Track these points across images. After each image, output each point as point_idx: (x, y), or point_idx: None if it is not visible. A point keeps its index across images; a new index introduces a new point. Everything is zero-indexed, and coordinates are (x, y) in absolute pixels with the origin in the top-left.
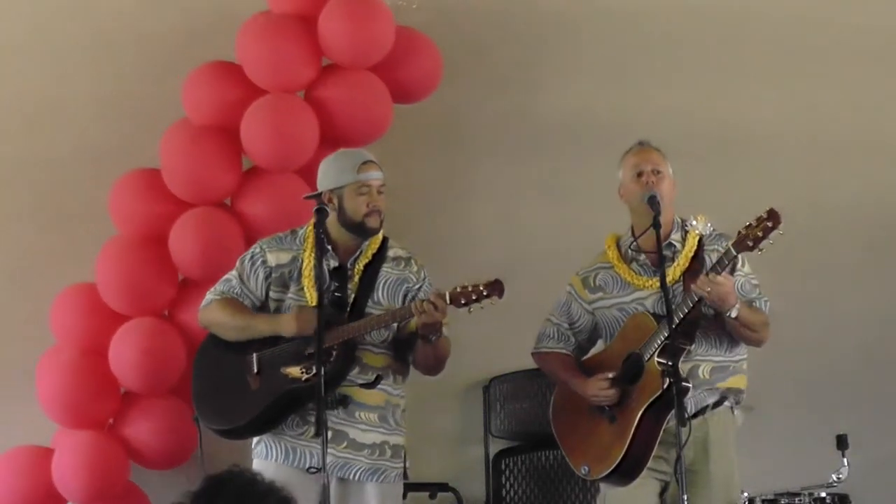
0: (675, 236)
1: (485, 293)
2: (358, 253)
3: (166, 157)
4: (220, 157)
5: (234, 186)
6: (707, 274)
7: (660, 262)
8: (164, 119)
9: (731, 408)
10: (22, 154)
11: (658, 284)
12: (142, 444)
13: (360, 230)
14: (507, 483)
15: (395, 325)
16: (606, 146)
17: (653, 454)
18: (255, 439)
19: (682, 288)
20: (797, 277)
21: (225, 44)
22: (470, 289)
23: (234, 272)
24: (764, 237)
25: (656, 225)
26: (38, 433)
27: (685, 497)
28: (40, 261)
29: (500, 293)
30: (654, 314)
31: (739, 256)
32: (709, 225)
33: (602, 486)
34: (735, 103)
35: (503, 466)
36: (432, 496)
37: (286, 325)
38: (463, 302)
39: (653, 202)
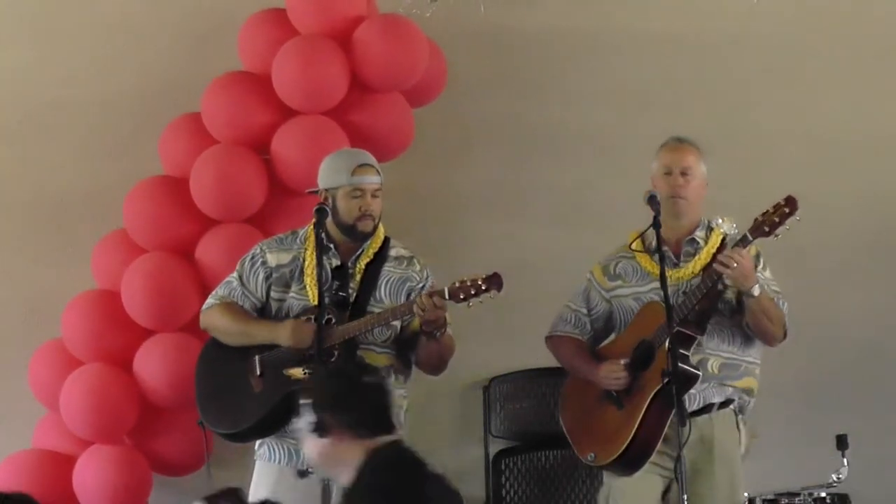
0: (700, 233)
1: (483, 287)
2: (359, 252)
3: (198, 174)
4: (250, 173)
5: (262, 203)
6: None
7: (660, 261)
8: (163, 119)
9: (735, 411)
10: (22, 154)
11: (677, 276)
12: (166, 455)
13: (352, 233)
14: (507, 483)
15: (398, 324)
16: (605, 150)
17: (658, 446)
18: (258, 441)
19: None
20: (797, 277)
21: (228, 47)
22: (469, 283)
23: (234, 274)
24: (780, 223)
25: (656, 225)
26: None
27: (685, 497)
28: (35, 259)
29: (499, 287)
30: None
31: (761, 260)
32: (734, 226)
33: (606, 477)
34: (735, 103)
35: (503, 466)
36: None
37: (283, 336)
38: (462, 296)
39: (652, 202)
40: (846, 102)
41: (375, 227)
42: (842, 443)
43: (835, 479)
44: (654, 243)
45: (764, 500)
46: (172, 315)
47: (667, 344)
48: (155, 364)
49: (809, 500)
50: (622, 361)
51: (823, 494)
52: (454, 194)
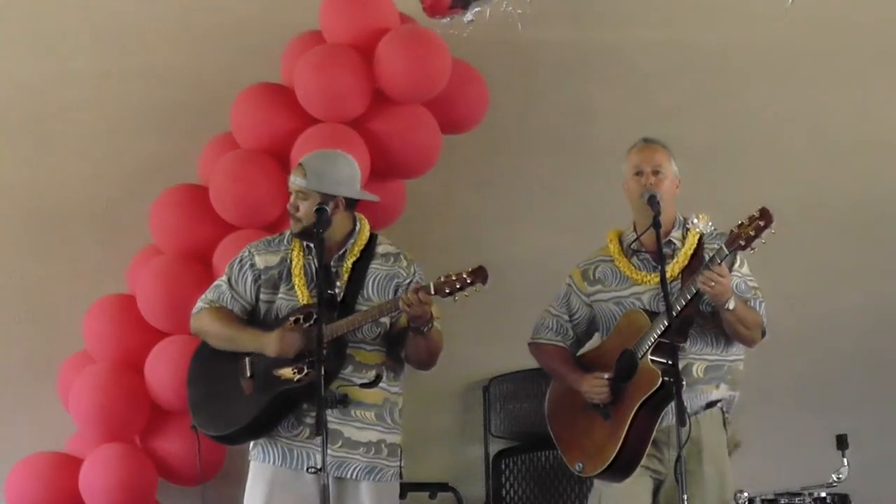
0: (675, 234)
1: (468, 280)
2: (342, 251)
3: (215, 179)
4: (268, 180)
5: (281, 210)
6: (708, 268)
7: (660, 261)
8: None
9: (723, 410)
10: (24, 155)
11: (656, 280)
12: (173, 461)
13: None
14: (507, 483)
15: (387, 321)
16: (608, 150)
17: (646, 452)
18: (252, 442)
19: (680, 285)
20: (797, 277)
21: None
22: (454, 277)
23: (223, 277)
24: (756, 236)
25: (656, 225)
26: (51, 437)
27: (685, 497)
28: (44, 265)
29: (484, 280)
30: (648, 311)
31: (738, 257)
32: (710, 224)
33: (596, 482)
34: (736, 102)
35: (503, 466)
36: (432, 496)
37: (269, 346)
38: (447, 291)
39: (653, 202)
40: (847, 102)
41: (305, 229)
42: (842, 443)
43: (835, 479)
44: (632, 245)
45: (764, 500)
46: (185, 318)
47: (650, 353)
48: (165, 366)
49: (809, 500)
50: (605, 376)
51: (823, 494)
52: (471, 201)
